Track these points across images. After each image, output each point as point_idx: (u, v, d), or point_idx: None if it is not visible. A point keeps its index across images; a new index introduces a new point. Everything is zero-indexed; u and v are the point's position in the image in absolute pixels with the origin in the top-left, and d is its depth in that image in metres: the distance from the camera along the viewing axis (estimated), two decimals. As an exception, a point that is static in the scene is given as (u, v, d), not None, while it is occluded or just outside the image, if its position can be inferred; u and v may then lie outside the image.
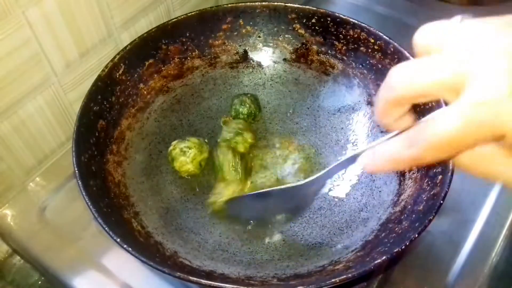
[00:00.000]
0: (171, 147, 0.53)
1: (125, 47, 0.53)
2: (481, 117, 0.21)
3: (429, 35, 0.25)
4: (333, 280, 0.38)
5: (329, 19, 0.56)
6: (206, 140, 0.56)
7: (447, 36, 0.24)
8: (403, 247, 0.39)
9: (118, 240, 0.39)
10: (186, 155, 0.52)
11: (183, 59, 0.58)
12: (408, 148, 0.25)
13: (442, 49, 0.24)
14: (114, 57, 0.52)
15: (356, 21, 0.54)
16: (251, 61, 0.61)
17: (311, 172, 0.55)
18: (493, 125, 0.21)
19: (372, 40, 0.53)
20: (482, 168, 0.24)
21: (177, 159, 0.52)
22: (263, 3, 0.57)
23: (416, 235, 0.39)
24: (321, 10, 0.56)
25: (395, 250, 0.39)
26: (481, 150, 0.24)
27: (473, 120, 0.22)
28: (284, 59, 0.60)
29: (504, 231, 0.52)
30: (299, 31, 0.58)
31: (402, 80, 0.24)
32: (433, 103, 0.47)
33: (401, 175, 0.50)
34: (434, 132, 0.23)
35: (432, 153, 0.23)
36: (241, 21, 0.58)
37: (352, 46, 0.56)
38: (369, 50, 0.54)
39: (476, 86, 0.22)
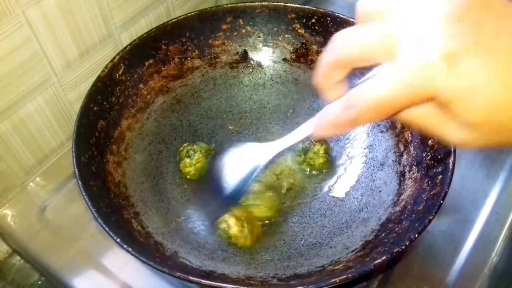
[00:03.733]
0: (181, 148, 0.54)
1: (125, 47, 0.53)
2: (414, 81, 0.22)
3: (370, 2, 0.26)
4: (333, 280, 0.38)
5: (329, 19, 0.56)
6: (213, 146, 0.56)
7: (387, 2, 0.25)
8: (403, 247, 0.39)
9: (118, 240, 0.39)
10: (190, 158, 0.52)
11: (183, 59, 0.58)
12: (345, 110, 0.26)
13: (382, 15, 0.25)
14: (114, 57, 0.52)
15: (355, 21, 0.54)
16: (251, 61, 0.61)
17: (311, 171, 0.55)
18: (424, 88, 0.22)
19: (372, 40, 0.53)
20: (420, 125, 0.26)
21: (182, 160, 0.53)
22: (263, 3, 0.57)
23: (416, 235, 0.39)
24: (321, 10, 0.56)
25: (395, 250, 0.39)
26: (419, 109, 0.25)
27: (406, 83, 0.23)
28: (284, 59, 0.60)
29: (504, 231, 0.52)
30: (299, 31, 0.58)
31: (342, 43, 0.26)
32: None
33: (401, 175, 0.50)
34: (370, 95, 0.24)
35: (368, 115, 0.25)
36: (241, 21, 0.58)
37: (352, 46, 0.55)
38: (369, 50, 0.54)
39: (408, 49, 0.23)
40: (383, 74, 0.23)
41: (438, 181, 0.43)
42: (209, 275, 0.43)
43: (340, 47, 0.26)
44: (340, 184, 0.53)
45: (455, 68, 0.22)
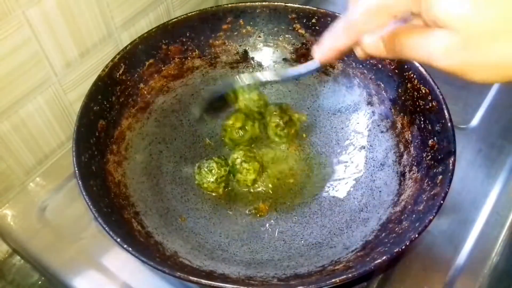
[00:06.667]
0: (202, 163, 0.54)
1: (125, 47, 0.53)
2: None
3: None
4: (333, 280, 0.38)
5: (329, 19, 0.56)
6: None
7: None
8: (403, 247, 0.39)
9: (118, 240, 0.39)
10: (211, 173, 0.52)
11: (183, 59, 0.58)
12: (346, 17, 0.32)
13: None
14: (114, 57, 0.52)
15: None
16: (251, 61, 0.61)
17: (311, 171, 0.55)
18: None
19: (372, 40, 0.53)
20: (406, 46, 0.28)
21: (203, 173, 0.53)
22: (263, 3, 0.57)
23: (416, 235, 0.39)
24: (321, 10, 0.56)
25: (395, 250, 0.39)
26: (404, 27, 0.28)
27: None
28: (284, 59, 0.60)
29: (504, 231, 0.52)
30: (299, 31, 0.58)
31: None
32: (434, 104, 0.47)
33: (402, 175, 0.50)
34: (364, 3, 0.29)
35: (365, 17, 0.30)
36: (241, 21, 0.58)
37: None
38: (369, 50, 0.54)
39: None
40: None
41: (438, 181, 0.43)
42: (209, 275, 0.43)
43: None
44: (340, 184, 0.53)
45: None
